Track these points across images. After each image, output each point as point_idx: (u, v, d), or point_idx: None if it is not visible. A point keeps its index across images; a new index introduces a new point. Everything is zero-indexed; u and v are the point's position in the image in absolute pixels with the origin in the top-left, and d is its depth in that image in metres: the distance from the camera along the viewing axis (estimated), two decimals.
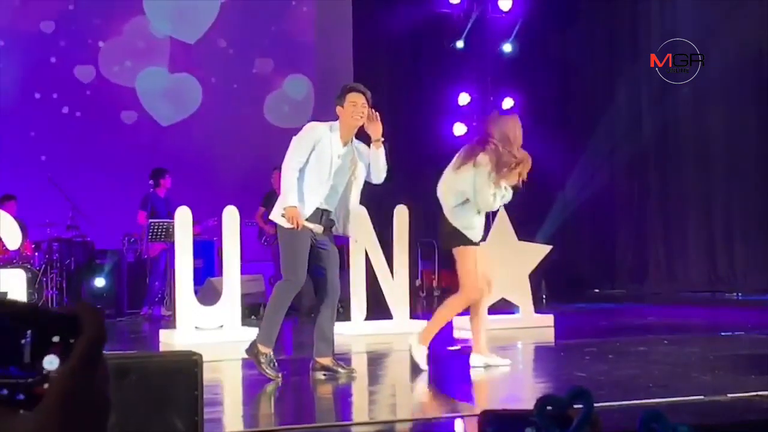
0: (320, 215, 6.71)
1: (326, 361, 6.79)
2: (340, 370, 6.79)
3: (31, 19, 13.75)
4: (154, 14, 14.38)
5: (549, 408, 1.06)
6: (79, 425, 0.90)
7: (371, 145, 6.79)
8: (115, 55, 14.19)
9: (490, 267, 7.41)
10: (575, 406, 1.20)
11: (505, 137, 6.93)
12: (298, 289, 6.76)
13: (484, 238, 7.33)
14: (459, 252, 7.00)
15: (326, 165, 6.66)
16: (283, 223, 6.63)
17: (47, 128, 13.57)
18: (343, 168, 6.73)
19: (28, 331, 0.91)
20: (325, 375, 6.74)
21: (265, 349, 6.66)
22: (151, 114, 14.17)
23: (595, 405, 4.66)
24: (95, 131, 13.72)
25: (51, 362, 0.91)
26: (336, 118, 6.79)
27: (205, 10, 14.62)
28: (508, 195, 7.06)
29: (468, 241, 6.97)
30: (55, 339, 0.92)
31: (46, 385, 0.90)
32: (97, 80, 14.08)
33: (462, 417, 5.48)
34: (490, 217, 9.30)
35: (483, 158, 6.89)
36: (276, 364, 6.72)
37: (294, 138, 6.76)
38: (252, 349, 6.73)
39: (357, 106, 6.71)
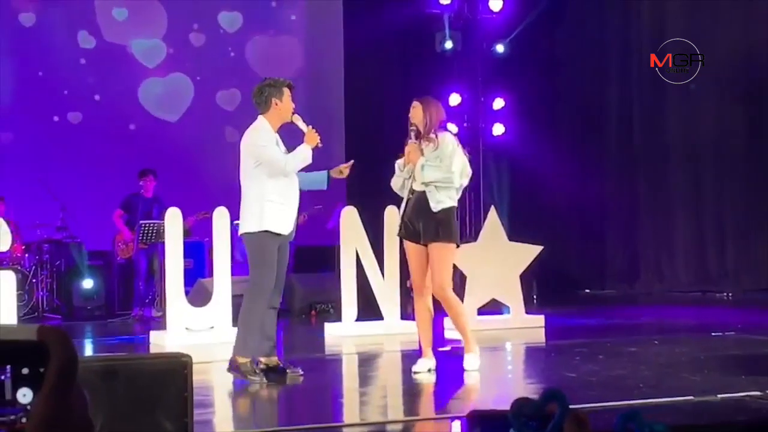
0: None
1: (271, 361, 6.63)
2: (286, 371, 6.64)
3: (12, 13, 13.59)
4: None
5: (525, 410, 1.05)
6: None
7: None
8: None
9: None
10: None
11: None
12: (269, 293, 6.64)
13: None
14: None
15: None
16: (255, 228, 6.58)
17: (38, 130, 13.50)
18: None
19: (7, 366, 0.89)
20: (271, 375, 6.56)
21: (244, 359, 6.54)
22: (143, 114, 14.11)
23: (585, 405, 4.65)
24: (86, 132, 13.66)
25: (25, 395, 0.89)
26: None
27: None
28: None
29: None
30: (25, 371, 0.89)
31: (25, 420, 0.88)
32: None
33: (451, 418, 5.49)
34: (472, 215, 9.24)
35: None
36: (258, 368, 6.56)
37: (256, 146, 6.78)
38: (232, 363, 6.58)
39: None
